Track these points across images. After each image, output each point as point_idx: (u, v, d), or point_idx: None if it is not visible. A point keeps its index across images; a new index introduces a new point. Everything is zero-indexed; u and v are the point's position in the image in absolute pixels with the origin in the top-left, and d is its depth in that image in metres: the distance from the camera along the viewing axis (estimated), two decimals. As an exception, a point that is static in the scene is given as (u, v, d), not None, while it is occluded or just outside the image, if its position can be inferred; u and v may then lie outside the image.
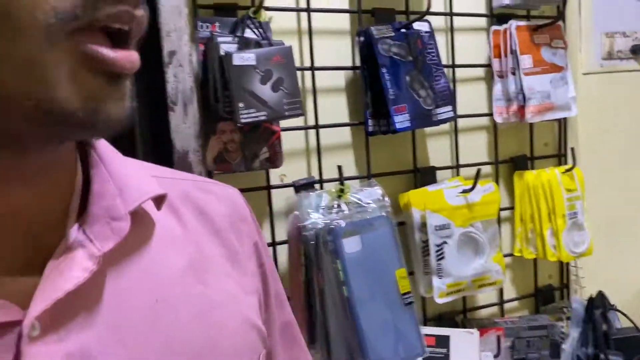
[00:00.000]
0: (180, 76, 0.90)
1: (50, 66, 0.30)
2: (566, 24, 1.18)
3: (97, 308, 0.38)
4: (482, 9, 1.13)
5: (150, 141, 0.96)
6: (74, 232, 0.38)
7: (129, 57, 0.33)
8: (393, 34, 1.01)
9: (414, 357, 0.95)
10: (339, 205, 0.97)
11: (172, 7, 0.87)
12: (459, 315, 1.16)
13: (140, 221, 0.43)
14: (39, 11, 0.28)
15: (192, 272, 0.47)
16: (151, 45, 0.89)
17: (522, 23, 1.11)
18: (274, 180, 0.99)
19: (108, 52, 0.31)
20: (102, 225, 0.39)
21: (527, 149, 1.18)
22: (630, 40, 1.33)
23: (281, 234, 1.01)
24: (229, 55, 0.89)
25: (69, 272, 0.35)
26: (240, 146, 0.97)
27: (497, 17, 1.13)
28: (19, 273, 0.36)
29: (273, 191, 1.00)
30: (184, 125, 0.92)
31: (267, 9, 0.94)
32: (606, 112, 1.30)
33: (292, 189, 0.97)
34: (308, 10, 0.96)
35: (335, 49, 1.04)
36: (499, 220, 1.14)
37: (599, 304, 1.10)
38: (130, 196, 0.42)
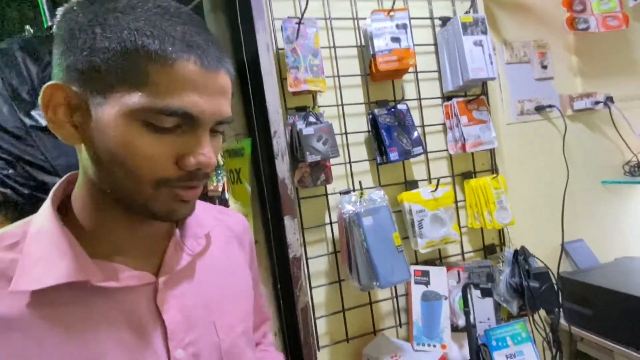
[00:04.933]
0: (280, 142, 1.17)
1: (154, 198, 0.47)
2: (489, 97, 1.52)
3: (189, 277, 0.55)
4: (438, 93, 1.51)
5: (267, 173, 1.23)
6: (177, 239, 0.56)
7: (193, 194, 0.49)
8: (386, 112, 1.39)
9: (404, 280, 1.24)
10: (361, 201, 1.27)
11: (274, 109, 1.15)
12: (437, 260, 1.48)
13: (207, 237, 0.62)
14: (153, 177, 0.46)
15: (227, 258, 0.65)
16: (264, 128, 1.18)
17: (461, 99, 1.48)
18: (329, 190, 1.35)
19: (183, 193, 0.48)
20: (193, 241, 0.57)
21: (471, 167, 1.54)
22: (534, 103, 1.71)
23: (334, 217, 1.35)
24: (301, 130, 1.22)
25: (178, 261, 0.54)
26: (310, 174, 1.29)
27: (447, 97, 1.51)
28: (148, 260, 0.53)
29: (329, 196, 1.35)
30: (282, 165, 1.17)
31: (319, 106, 1.32)
32: (520, 143, 1.68)
33: (338, 194, 1.32)
34: (342, 104, 1.36)
35: (357, 122, 1.39)
36: (457, 208, 1.49)
37: (522, 253, 1.39)
38: (204, 227, 0.61)
